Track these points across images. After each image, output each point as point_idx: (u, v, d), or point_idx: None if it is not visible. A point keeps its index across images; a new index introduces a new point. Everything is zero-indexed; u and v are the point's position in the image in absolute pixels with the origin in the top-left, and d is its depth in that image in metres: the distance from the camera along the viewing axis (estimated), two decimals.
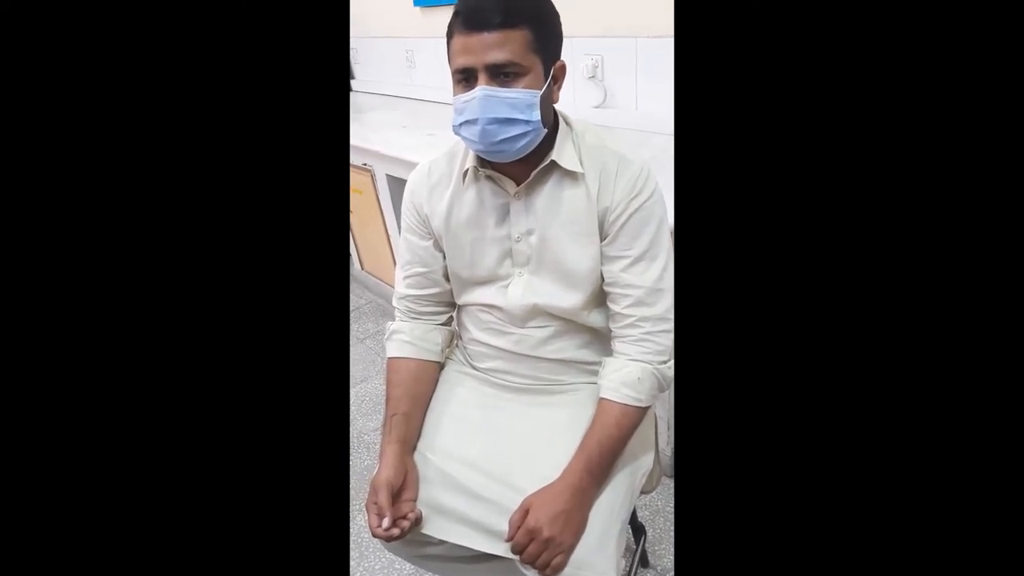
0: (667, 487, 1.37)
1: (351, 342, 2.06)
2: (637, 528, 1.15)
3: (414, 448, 0.82)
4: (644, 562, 1.21)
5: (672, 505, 1.34)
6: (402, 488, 0.76)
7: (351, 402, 1.79)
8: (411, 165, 1.26)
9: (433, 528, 0.76)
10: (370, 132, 1.91)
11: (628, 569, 1.11)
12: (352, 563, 1.28)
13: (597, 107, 1.64)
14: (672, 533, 1.28)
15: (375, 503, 0.73)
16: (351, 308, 2.31)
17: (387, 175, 1.79)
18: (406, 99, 2.39)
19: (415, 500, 0.77)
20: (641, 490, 0.85)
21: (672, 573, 1.20)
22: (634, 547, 1.15)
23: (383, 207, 1.91)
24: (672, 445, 1.35)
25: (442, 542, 0.76)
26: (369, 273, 2.30)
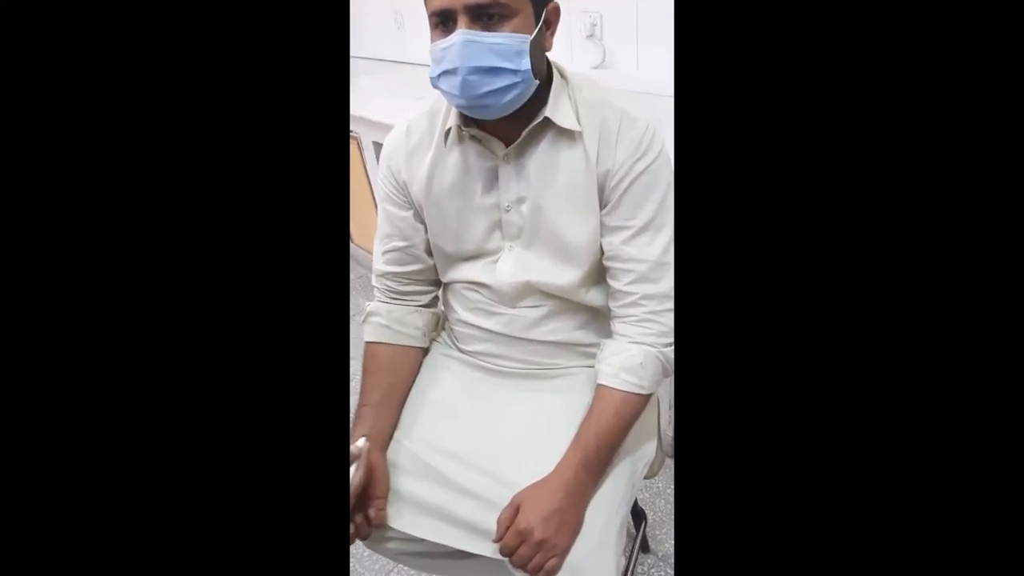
0: (668, 467, 1.32)
1: None
2: (637, 513, 1.10)
3: (387, 441, 0.74)
4: (644, 548, 1.16)
5: (673, 487, 1.29)
6: (367, 486, 0.68)
7: None
8: None
9: (410, 525, 0.69)
10: (356, 97, 1.81)
11: (628, 557, 1.06)
12: None
13: (595, 68, 1.55)
14: (674, 516, 1.23)
15: None
16: None
17: (374, 142, 1.70)
18: (394, 63, 2.28)
19: (384, 498, 0.69)
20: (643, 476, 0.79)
21: (673, 559, 1.16)
22: (634, 533, 1.10)
23: (371, 177, 1.82)
24: (673, 424, 1.29)
25: (423, 539, 0.70)
26: (359, 246, 2.22)
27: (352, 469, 0.66)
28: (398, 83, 1.99)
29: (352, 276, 2.30)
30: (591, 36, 1.52)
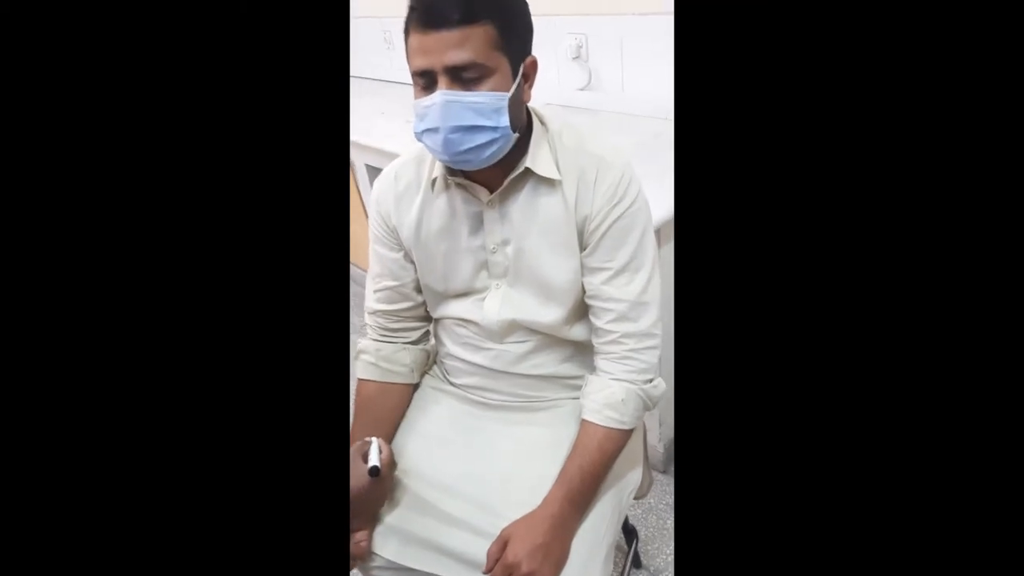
0: (659, 483, 1.35)
1: None
2: (628, 531, 1.13)
3: None
4: (637, 563, 1.19)
5: (664, 502, 1.31)
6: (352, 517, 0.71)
7: None
8: (391, 155, 1.19)
9: (398, 554, 0.72)
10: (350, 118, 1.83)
11: (620, 573, 1.08)
12: None
13: (581, 90, 1.57)
14: (664, 531, 1.26)
15: None
16: None
17: (366, 165, 1.73)
18: (385, 83, 2.30)
19: (366, 530, 0.72)
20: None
21: (665, 573, 1.18)
22: (626, 549, 1.13)
23: (364, 198, 1.84)
24: (664, 441, 1.32)
25: (410, 569, 0.72)
26: (355, 265, 2.25)
27: (373, 454, 0.68)
28: (390, 103, 2.00)
29: None
30: (577, 58, 1.54)
